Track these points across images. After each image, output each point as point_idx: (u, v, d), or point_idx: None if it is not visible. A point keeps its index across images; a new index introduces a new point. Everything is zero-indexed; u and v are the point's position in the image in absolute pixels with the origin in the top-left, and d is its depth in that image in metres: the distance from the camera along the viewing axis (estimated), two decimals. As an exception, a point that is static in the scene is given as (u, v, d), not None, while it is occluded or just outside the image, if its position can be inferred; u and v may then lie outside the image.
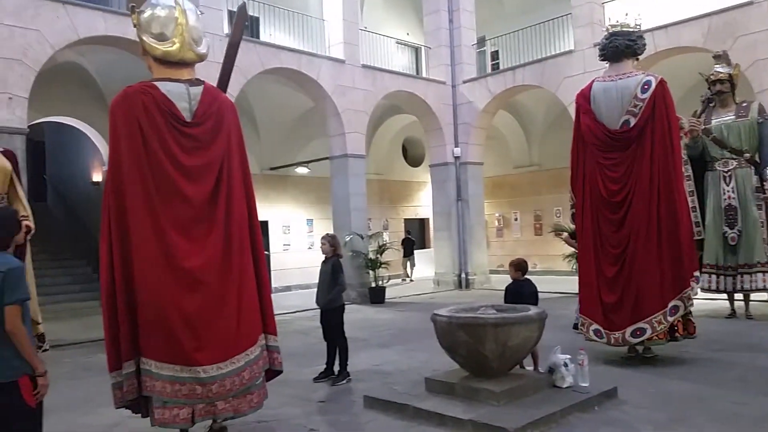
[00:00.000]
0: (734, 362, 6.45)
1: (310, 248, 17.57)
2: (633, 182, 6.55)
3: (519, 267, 6.02)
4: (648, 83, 6.60)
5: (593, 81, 7.01)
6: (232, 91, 11.86)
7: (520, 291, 5.88)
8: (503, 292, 6.06)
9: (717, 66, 9.45)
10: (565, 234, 9.25)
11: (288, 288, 16.56)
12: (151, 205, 4.19)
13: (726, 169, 9.14)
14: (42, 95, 10.55)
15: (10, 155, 7.65)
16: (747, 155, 9.07)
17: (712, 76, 9.40)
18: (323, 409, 5.41)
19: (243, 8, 5.16)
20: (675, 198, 6.48)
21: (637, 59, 7.09)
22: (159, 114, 4.27)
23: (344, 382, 6.23)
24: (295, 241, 17.61)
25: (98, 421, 5.08)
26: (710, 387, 5.54)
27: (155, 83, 4.37)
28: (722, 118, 9.25)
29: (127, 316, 4.12)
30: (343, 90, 13.98)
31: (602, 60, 7.18)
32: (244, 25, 5.16)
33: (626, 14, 7.30)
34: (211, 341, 4.17)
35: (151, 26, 4.43)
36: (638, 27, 7.14)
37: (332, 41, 14.44)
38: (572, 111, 13.61)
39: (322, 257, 6.63)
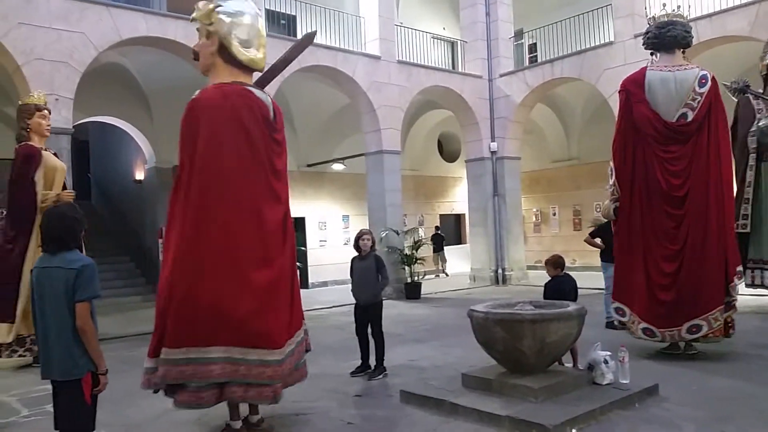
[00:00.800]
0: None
1: (345, 244, 17.66)
2: (693, 177, 6.45)
3: (556, 264, 5.94)
4: (705, 78, 6.56)
5: (645, 69, 6.81)
6: (270, 89, 12.00)
7: (560, 287, 5.81)
8: (542, 288, 6.00)
9: None
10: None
11: (324, 283, 16.71)
12: (256, 206, 4.42)
13: None
14: (86, 96, 10.86)
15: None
16: None
17: None
18: (360, 403, 5.45)
19: (312, 36, 5.34)
20: (725, 194, 6.43)
21: (684, 51, 6.94)
22: (261, 118, 4.53)
23: (381, 376, 6.27)
24: (331, 237, 17.74)
25: (141, 413, 5.22)
26: (756, 385, 5.38)
27: (247, 87, 4.56)
28: None
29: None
30: (378, 86, 14.00)
31: (652, 49, 6.94)
32: (303, 50, 5.32)
33: (663, 4, 7.12)
34: (279, 325, 4.44)
35: (240, 31, 4.54)
36: (686, 17, 7.00)
37: (368, 38, 14.48)
38: (614, 102, 13.41)
39: (355, 253, 6.66)
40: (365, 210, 15.28)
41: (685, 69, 6.65)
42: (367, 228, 7.27)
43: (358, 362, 6.50)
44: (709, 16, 12.01)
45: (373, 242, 6.63)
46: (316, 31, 5.71)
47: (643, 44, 7.12)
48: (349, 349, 7.34)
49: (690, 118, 6.48)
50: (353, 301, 6.68)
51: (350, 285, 6.71)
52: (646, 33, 7.00)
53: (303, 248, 16.58)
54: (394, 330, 8.77)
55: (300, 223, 16.86)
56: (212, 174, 4.30)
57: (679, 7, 7.08)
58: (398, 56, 14.66)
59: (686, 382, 5.58)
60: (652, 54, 7.03)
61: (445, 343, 8.09)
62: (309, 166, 17.14)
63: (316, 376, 5.19)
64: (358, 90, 13.84)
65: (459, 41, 17.09)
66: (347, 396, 5.60)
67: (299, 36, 14.58)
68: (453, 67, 17.64)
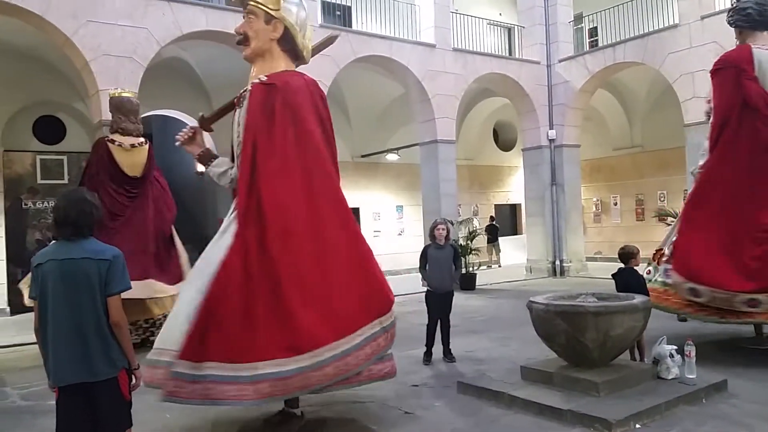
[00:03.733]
0: None
1: (399, 234, 17.69)
2: None
3: (621, 256, 5.80)
4: None
5: (749, 47, 6.47)
6: (326, 80, 12.11)
7: (623, 280, 5.65)
8: (602, 280, 5.86)
9: None
10: (669, 219, 8.72)
11: (380, 273, 16.72)
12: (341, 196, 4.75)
13: None
14: (148, 89, 11.19)
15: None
16: None
17: None
18: (417, 392, 5.45)
19: (333, 38, 5.13)
20: None
21: None
22: (327, 110, 4.70)
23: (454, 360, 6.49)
24: (385, 228, 17.77)
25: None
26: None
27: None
28: None
29: None
30: (433, 75, 13.89)
31: (748, 26, 6.57)
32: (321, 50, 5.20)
33: None
34: None
35: (302, 22, 4.64)
36: None
37: (423, 26, 14.36)
38: (679, 87, 12.88)
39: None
40: (419, 200, 15.21)
41: None
42: (443, 218, 7.31)
43: (415, 351, 6.54)
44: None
45: (449, 232, 6.76)
46: (338, 35, 5.39)
47: (735, 21, 6.67)
48: (406, 338, 7.34)
49: None
50: (408, 290, 6.70)
51: (419, 274, 6.79)
52: (743, 9, 6.59)
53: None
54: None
55: (354, 213, 16.92)
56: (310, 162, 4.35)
57: None
58: (453, 44, 14.48)
59: (757, 377, 5.34)
60: (741, 33, 6.64)
61: (501, 334, 8.00)
62: (363, 156, 17.19)
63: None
64: (412, 79, 13.76)
65: (516, 27, 16.73)
66: (405, 385, 5.60)
67: (354, 26, 14.62)
68: (510, 54, 17.30)
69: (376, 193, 17.72)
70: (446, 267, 6.57)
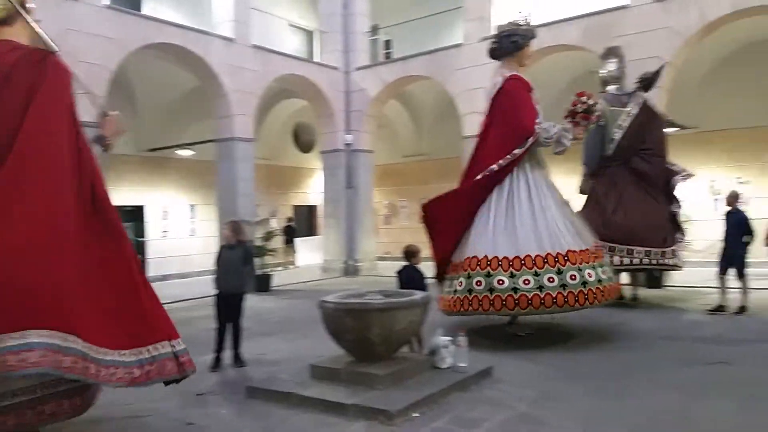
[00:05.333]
0: (614, 347, 6.89)
1: (192, 235, 16.84)
2: None
3: (406, 254, 6.19)
4: None
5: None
6: (110, 64, 11.06)
7: (406, 276, 6.03)
8: (391, 279, 6.19)
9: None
10: None
11: (166, 277, 15.64)
12: None
13: None
14: None
15: None
16: None
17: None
18: (203, 401, 5.20)
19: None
20: None
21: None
22: None
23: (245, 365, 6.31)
24: (174, 228, 16.73)
25: None
26: (583, 365, 5.92)
27: None
28: None
29: None
30: (232, 70, 13.45)
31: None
32: None
33: (519, 11, 7.73)
34: None
35: None
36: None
37: (221, 18, 13.83)
38: (460, 102, 14.08)
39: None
40: (214, 199, 14.65)
41: None
42: (238, 219, 7.08)
43: (203, 358, 6.23)
44: (548, 24, 12.87)
45: (237, 233, 6.53)
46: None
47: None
48: (193, 345, 6.95)
49: None
50: (200, 294, 6.45)
51: (212, 276, 6.56)
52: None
53: (141, 239, 15.52)
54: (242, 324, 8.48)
55: (138, 211, 15.74)
56: None
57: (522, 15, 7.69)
58: (253, 41, 14.19)
59: (519, 364, 6.00)
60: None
61: (294, 335, 8.01)
62: (151, 150, 16.01)
63: (154, 373, 4.83)
64: (209, 72, 13.19)
65: (316, 31, 16.95)
66: (189, 394, 5.29)
67: (144, 11, 13.59)
68: (310, 57, 17.48)
69: (166, 190, 16.65)
70: (235, 268, 6.39)
